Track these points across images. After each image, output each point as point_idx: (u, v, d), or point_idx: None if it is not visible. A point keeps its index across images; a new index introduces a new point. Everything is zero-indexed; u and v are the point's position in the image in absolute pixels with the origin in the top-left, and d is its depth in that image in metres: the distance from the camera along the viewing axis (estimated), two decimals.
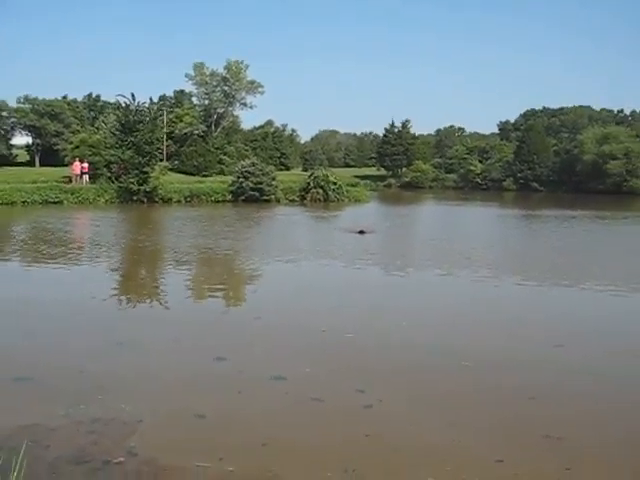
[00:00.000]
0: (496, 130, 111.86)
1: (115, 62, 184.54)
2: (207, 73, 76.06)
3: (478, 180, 75.57)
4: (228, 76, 75.73)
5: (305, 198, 44.23)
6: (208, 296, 14.59)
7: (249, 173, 42.21)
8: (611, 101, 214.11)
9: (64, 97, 78.74)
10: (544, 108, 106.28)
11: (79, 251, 21.15)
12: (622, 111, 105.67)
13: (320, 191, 43.93)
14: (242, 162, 44.75)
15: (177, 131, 71.81)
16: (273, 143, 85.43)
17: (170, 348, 9.92)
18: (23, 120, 72.39)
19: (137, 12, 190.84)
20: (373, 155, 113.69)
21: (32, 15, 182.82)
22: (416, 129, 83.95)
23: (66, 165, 67.16)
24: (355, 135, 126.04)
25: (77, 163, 42.86)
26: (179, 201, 42.02)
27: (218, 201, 42.80)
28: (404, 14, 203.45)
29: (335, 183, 44.73)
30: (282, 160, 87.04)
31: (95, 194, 40.49)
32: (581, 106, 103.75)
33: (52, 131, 72.67)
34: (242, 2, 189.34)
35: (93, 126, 75.28)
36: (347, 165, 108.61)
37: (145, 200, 40.37)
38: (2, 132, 70.44)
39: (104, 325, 11.43)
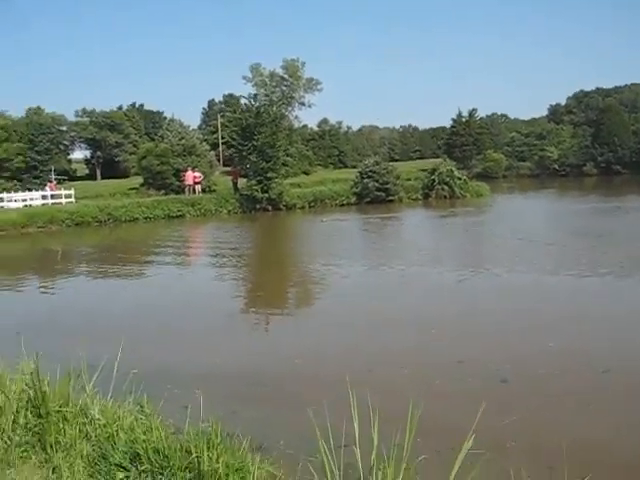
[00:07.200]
0: (538, 115, 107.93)
1: (158, 70, 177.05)
2: (265, 74, 73.16)
3: (555, 166, 72.44)
4: (286, 76, 72.88)
5: (429, 196, 41.28)
6: None
7: (374, 172, 39.43)
8: None
9: (119, 107, 76.03)
10: (597, 88, 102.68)
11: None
12: None
13: (445, 187, 41.03)
14: (365, 162, 41.93)
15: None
16: (330, 142, 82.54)
17: None
18: (83, 133, 69.84)
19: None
20: (418, 148, 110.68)
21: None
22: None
23: (128, 176, 64.99)
24: (394, 129, 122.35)
25: (190, 173, 39.91)
26: (302, 207, 39.25)
27: (342, 204, 39.99)
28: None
29: (460, 178, 41.78)
30: (340, 158, 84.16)
31: (217, 204, 37.90)
32: (634, 83, 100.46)
33: (112, 143, 70.10)
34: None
35: (150, 135, 72.55)
36: (392, 159, 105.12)
37: (270, 208, 37.69)
38: (62, 147, 67.55)
39: None
